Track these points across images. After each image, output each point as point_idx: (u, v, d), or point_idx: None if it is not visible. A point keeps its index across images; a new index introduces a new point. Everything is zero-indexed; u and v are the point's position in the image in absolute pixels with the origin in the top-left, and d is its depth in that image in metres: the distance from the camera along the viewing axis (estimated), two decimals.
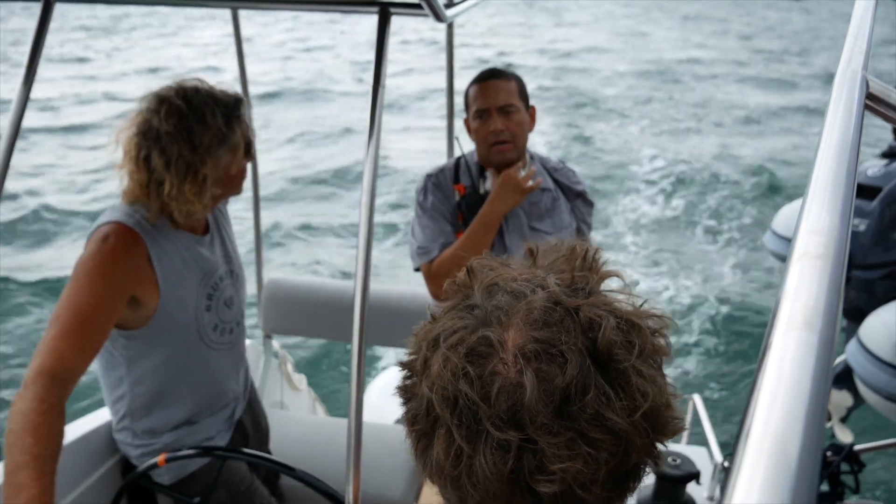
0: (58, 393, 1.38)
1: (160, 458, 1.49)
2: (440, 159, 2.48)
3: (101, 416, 1.95)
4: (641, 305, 0.64)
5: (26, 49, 1.43)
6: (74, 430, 1.87)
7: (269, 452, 2.08)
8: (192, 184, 1.58)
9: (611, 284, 0.67)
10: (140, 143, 1.59)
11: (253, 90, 2.60)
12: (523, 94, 2.00)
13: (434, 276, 1.97)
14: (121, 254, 1.54)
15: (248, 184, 2.58)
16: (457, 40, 2.52)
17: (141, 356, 1.66)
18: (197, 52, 19.56)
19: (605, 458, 0.56)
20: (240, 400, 1.93)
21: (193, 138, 1.57)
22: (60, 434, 1.37)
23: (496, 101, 1.94)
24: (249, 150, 1.71)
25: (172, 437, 1.75)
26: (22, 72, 1.43)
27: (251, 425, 1.98)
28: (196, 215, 1.64)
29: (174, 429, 1.76)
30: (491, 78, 1.98)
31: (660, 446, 0.61)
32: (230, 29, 2.35)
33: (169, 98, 1.60)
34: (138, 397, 1.71)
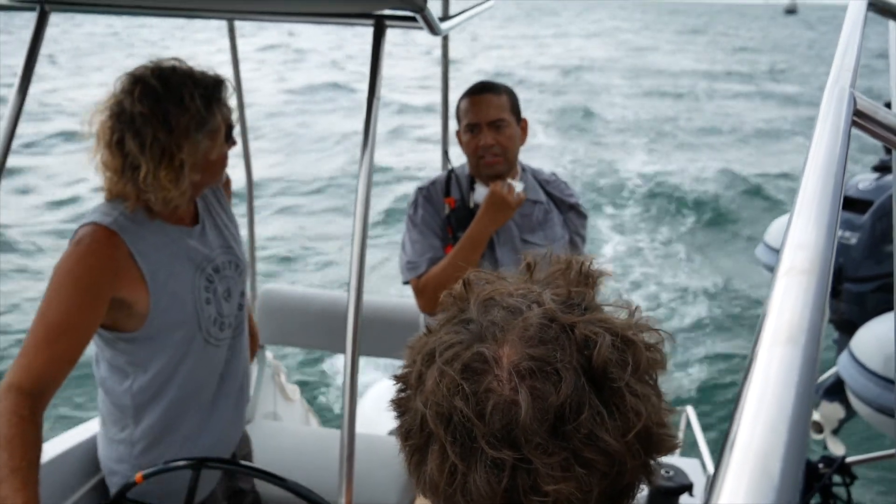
0: (29, 405, 1.34)
1: (137, 476, 1.43)
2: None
3: (82, 433, 1.88)
4: (634, 314, 0.63)
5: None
6: (54, 448, 1.81)
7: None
8: (167, 169, 1.49)
9: (605, 291, 0.67)
10: (113, 126, 1.49)
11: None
12: (515, 108, 2.00)
13: (422, 291, 1.97)
14: (94, 257, 1.47)
15: (243, 183, 2.59)
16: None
17: (145, 360, 1.60)
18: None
19: (599, 479, 0.56)
20: (240, 419, 1.86)
21: (170, 120, 1.49)
22: (37, 444, 1.33)
23: (487, 115, 1.94)
24: (230, 135, 1.63)
25: (173, 449, 1.67)
26: (17, 80, 1.43)
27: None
28: (173, 203, 1.54)
29: (176, 439, 1.68)
30: (482, 92, 1.98)
31: (654, 465, 0.61)
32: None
33: (144, 78, 1.51)
34: (143, 404, 1.64)
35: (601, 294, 0.66)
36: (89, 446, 1.84)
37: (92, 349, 1.61)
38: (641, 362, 0.60)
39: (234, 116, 1.67)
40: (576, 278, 0.65)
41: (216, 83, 1.58)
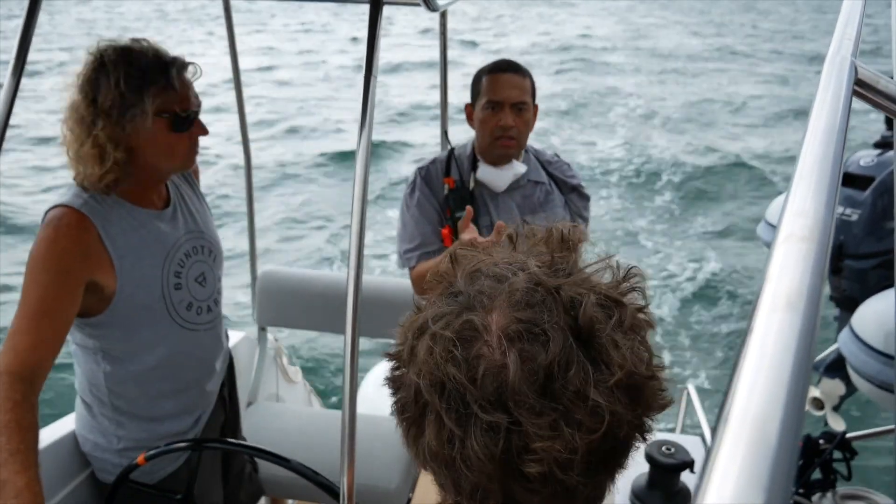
0: (22, 390, 1.35)
1: (140, 458, 1.44)
2: None
3: (67, 425, 1.85)
4: (619, 271, 0.65)
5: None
6: (44, 439, 1.74)
7: (242, 438, 2.07)
8: (91, 146, 1.51)
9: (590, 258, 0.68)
10: (69, 103, 1.55)
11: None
12: (533, 92, 1.98)
13: (413, 282, 2.01)
14: (65, 240, 1.48)
15: (241, 174, 2.58)
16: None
17: (113, 345, 1.61)
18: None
19: (586, 437, 0.57)
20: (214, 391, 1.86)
21: (98, 98, 1.50)
22: (34, 427, 1.34)
23: (510, 96, 1.91)
24: (181, 123, 1.57)
25: (152, 430, 1.69)
26: (10, 64, 1.42)
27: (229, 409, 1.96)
28: (104, 181, 1.53)
29: (155, 420, 1.69)
30: (508, 71, 1.95)
31: (647, 421, 0.62)
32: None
33: (93, 54, 1.54)
34: (118, 384, 1.64)
35: (584, 258, 0.67)
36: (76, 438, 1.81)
37: None
38: (626, 318, 0.60)
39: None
40: (557, 244, 0.66)
41: (155, 69, 1.54)
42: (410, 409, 0.63)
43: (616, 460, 0.61)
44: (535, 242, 0.67)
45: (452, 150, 2.09)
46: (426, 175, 2.06)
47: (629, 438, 0.61)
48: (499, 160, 1.99)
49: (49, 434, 1.83)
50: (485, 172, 2.01)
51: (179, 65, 1.57)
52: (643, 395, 0.60)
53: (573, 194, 2.12)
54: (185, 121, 1.59)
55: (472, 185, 2.02)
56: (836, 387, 2.73)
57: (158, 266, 1.63)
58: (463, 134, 2.18)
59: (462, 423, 0.58)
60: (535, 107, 2.02)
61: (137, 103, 1.52)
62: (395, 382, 0.67)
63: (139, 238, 1.60)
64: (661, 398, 0.62)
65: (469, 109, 2.02)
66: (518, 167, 2.02)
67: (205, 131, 1.64)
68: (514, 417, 0.56)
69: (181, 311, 1.67)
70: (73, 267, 1.48)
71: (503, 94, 1.91)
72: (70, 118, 1.52)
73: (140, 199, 1.62)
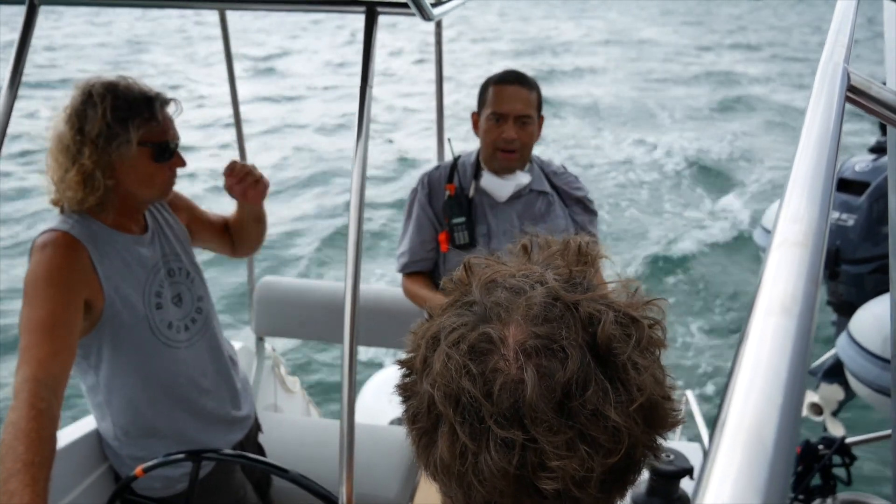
0: (46, 398, 1.37)
1: (138, 470, 1.46)
2: None
3: (89, 423, 1.92)
4: (636, 292, 0.64)
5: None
6: (62, 438, 1.84)
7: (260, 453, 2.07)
8: (76, 172, 1.59)
9: (605, 272, 0.67)
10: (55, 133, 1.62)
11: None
12: (539, 105, 2.00)
13: (404, 289, 2.09)
14: (61, 259, 1.56)
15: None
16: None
17: (103, 362, 1.67)
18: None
19: (602, 456, 0.56)
20: (232, 413, 1.90)
21: (85, 127, 1.59)
22: (52, 440, 1.36)
23: (514, 108, 1.93)
24: (161, 154, 1.67)
25: (161, 444, 1.73)
26: (6, 76, 1.42)
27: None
28: (87, 203, 1.62)
29: (157, 435, 1.74)
30: (514, 83, 1.96)
31: (659, 440, 0.62)
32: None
33: (81, 88, 1.62)
34: (111, 400, 1.71)
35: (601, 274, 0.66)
36: (97, 435, 1.89)
37: None
38: (644, 338, 0.60)
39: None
40: (574, 258, 0.65)
41: (140, 103, 1.63)
42: (422, 420, 0.61)
43: (629, 477, 0.61)
44: (550, 254, 0.67)
45: (457, 158, 2.12)
46: (429, 180, 2.10)
47: (643, 457, 0.61)
48: (500, 171, 2.01)
49: (73, 428, 1.91)
50: (488, 181, 2.03)
51: (162, 100, 1.67)
52: (658, 415, 0.60)
53: (577, 206, 2.12)
54: (165, 151, 1.67)
55: (471, 192, 2.04)
56: (834, 392, 2.73)
57: (140, 287, 1.70)
58: (464, 142, 2.20)
59: (476, 438, 0.57)
60: (541, 118, 2.03)
61: (122, 133, 1.59)
62: (405, 390, 0.66)
63: (122, 261, 1.67)
64: (674, 418, 0.62)
65: (475, 118, 2.04)
66: (521, 178, 2.03)
67: (183, 163, 1.73)
68: (530, 434, 0.55)
69: (163, 329, 1.74)
70: (74, 282, 1.55)
71: (507, 107, 1.92)
72: (55, 148, 1.61)
73: (120, 226, 1.70)
